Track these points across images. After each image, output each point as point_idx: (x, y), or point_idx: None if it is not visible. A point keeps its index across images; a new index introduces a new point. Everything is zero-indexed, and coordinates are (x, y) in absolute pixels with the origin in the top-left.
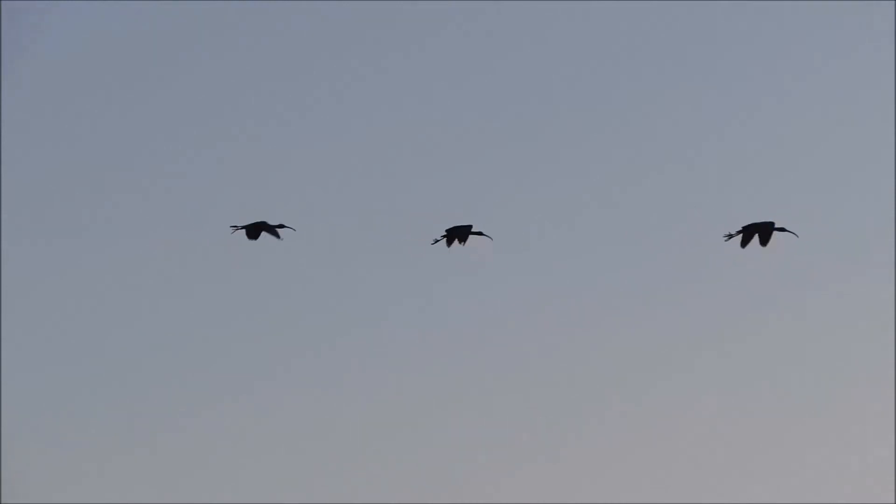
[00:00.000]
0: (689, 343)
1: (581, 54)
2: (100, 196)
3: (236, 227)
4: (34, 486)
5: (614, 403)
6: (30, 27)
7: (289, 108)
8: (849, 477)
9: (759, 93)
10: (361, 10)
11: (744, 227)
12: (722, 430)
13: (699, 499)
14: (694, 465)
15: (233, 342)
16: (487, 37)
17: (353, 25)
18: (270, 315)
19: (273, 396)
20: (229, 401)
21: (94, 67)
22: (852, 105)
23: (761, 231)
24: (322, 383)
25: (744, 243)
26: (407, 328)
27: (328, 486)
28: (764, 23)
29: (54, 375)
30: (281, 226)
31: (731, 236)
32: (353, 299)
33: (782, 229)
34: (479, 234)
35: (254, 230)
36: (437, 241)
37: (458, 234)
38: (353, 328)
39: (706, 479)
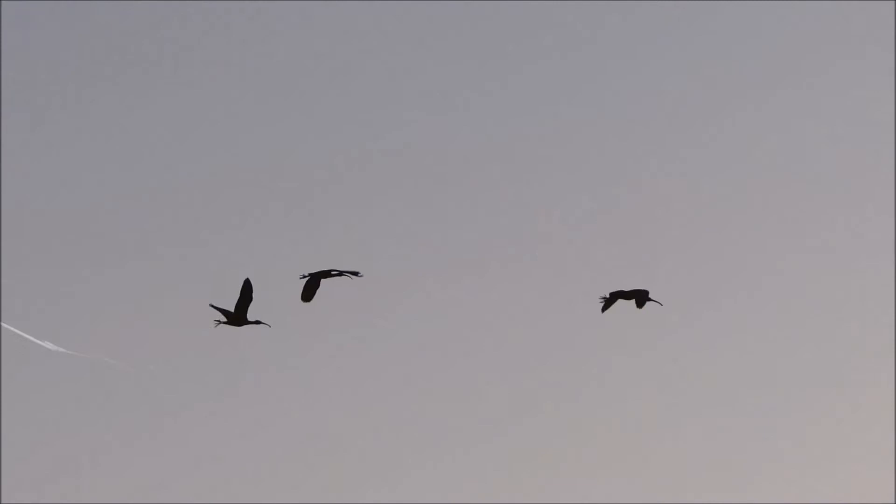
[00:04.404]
0: (686, 341)
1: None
2: (100, 195)
3: (305, 276)
4: (34, 486)
5: (610, 403)
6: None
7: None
8: (849, 477)
9: (756, 93)
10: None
11: (611, 294)
12: (721, 430)
13: (699, 499)
14: (693, 464)
15: (235, 341)
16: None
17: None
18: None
19: (269, 394)
20: (230, 400)
21: (93, 67)
22: (852, 106)
23: (632, 296)
24: (319, 383)
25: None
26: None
27: (327, 486)
28: (762, 23)
29: (54, 372)
30: (344, 272)
31: (606, 300)
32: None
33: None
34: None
35: (318, 279)
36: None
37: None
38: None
39: (706, 478)
